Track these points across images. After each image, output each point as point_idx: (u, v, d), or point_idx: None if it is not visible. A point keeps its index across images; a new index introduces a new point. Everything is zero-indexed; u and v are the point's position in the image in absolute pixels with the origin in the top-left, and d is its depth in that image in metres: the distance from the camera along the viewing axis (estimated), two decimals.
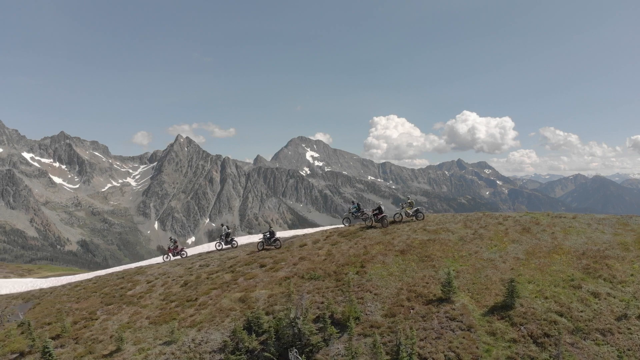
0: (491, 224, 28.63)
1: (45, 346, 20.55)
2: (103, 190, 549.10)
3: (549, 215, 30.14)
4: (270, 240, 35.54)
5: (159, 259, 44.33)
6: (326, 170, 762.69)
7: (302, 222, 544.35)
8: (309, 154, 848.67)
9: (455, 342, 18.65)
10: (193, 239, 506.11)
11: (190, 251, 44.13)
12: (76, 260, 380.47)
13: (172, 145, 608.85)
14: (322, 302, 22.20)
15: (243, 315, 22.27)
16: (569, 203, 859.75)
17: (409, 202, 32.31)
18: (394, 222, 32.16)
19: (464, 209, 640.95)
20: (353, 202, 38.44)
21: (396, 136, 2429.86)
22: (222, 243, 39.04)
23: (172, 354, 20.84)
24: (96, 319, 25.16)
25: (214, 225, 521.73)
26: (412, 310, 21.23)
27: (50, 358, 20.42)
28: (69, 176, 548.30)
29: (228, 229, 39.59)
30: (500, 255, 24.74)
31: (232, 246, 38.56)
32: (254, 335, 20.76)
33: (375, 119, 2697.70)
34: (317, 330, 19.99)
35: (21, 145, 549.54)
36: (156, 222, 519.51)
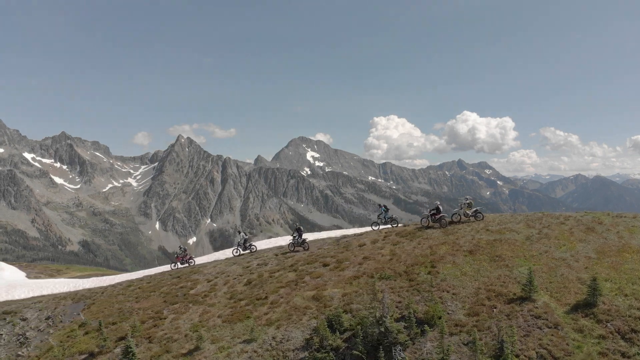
0: (553, 223, 28.55)
1: (128, 345, 20.35)
2: (104, 190, 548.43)
3: (609, 215, 30.10)
4: (299, 240, 35.91)
5: (166, 267, 44.29)
6: (327, 170, 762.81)
7: (303, 223, 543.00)
8: (310, 154, 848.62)
9: (544, 340, 18.70)
10: (194, 239, 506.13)
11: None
12: (77, 260, 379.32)
13: (173, 145, 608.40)
14: (400, 302, 22.11)
15: (320, 314, 22.15)
16: (570, 203, 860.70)
17: (468, 203, 32.17)
18: (452, 222, 32.03)
19: None
20: (380, 205, 38.32)
21: (396, 136, 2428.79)
22: (240, 249, 39.14)
23: (255, 352, 20.72)
24: (164, 318, 24.99)
25: (215, 225, 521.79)
26: (494, 309, 21.19)
27: (133, 358, 20.24)
28: (70, 176, 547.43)
29: (246, 235, 39.59)
30: (571, 254, 24.68)
31: (250, 251, 38.50)
32: (337, 333, 20.69)
33: (376, 119, 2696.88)
34: (403, 328, 19.93)
35: (22, 145, 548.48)
36: (157, 222, 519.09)
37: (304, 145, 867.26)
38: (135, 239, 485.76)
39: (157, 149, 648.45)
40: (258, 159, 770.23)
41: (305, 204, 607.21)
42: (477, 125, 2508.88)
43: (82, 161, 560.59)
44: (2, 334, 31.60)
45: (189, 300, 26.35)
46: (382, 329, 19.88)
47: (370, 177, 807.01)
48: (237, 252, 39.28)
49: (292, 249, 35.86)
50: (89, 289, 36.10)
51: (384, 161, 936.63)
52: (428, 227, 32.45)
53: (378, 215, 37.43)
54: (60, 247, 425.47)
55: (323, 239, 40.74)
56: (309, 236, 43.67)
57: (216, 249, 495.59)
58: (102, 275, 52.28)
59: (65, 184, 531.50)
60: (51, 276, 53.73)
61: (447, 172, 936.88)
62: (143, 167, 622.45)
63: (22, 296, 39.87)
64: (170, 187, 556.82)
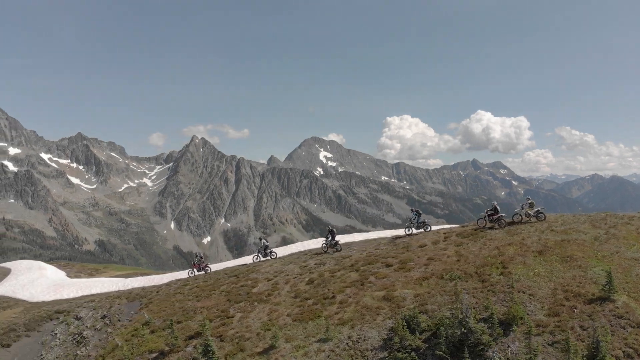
0: (619, 223, 28.00)
1: (207, 344, 20.25)
2: (120, 190, 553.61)
3: None
4: (332, 242, 35.97)
5: (184, 273, 44.37)
6: (340, 170, 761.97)
7: (316, 223, 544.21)
8: (323, 155, 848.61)
9: (629, 339, 18.50)
10: (209, 238, 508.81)
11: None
12: (94, 259, 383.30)
13: (187, 146, 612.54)
14: (477, 303, 21.81)
15: (394, 314, 21.92)
16: (586, 204, 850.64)
17: (530, 203, 31.67)
18: (512, 222, 31.56)
19: (479, 209, 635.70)
20: (413, 210, 37.96)
21: (410, 136, 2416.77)
22: (260, 256, 39.29)
23: (332, 351, 20.55)
24: (232, 317, 24.88)
25: (229, 225, 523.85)
26: (575, 310, 20.86)
27: (213, 356, 20.13)
28: (86, 177, 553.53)
29: (267, 242, 39.86)
30: None
31: (270, 257, 38.56)
32: (417, 333, 20.50)
33: (389, 119, 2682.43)
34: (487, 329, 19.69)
35: (39, 146, 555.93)
36: (172, 222, 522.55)
37: (317, 146, 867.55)
38: (151, 238, 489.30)
39: (172, 150, 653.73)
40: (271, 159, 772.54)
41: (319, 204, 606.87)
42: (491, 124, 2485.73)
43: (98, 161, 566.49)
44: (56, 333, 31.82)
45: (253, 299, 26.22)
46: (465, 330, 19.69)
47: (383, 177, 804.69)
48: (257, 258, 39.53)
49: (325, 250, 36.15)
50: (142, 288, 36.22)
51: (397, 161, 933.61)
52: (485, 228, 31.94)
53: (410, 220, 37.20)
54: (76, 246, 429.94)
55: (357, 241, 40.43)
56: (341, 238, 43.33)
57: (230, 249, 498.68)
58: (141, 274, 52.52)
59: (82, 184, 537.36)
60: (91, 275, 54.11)
61: (461, 172, 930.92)
62: (158, 167, 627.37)
63: (71, 295, 40.17)
64: (185, 187, 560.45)
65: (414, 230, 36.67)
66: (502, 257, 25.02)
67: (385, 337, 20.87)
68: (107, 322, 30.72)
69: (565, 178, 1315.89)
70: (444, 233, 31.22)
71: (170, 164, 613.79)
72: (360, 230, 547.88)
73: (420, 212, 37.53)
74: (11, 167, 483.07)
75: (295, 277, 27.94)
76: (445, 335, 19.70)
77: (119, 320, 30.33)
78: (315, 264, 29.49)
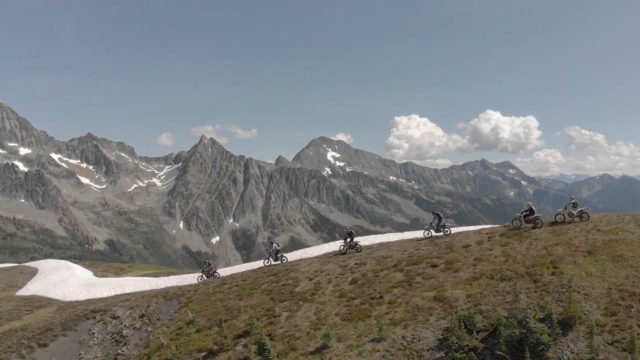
0: None
1: (263, 343, 20.12)
2: (129, 190, 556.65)
3: None
4: (351, 243, 36.28)
5: (194, 275, 44.45)
6: (347, 170, 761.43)
7: (324, 223, 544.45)
8: (330, 154, 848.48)
9: None
10: (217, 238, 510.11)
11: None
12: (104, 259, 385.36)
13: (196, 146, 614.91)
14: (531, 303, 21.58)
15: (448, 314, 21.75)
16: (596, 204, 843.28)
17: (573, 203, 31.32)
18: (555, 222, 31.19)
19: (488, 209, 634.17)
20: (434, 212, 37.61)
21: (418, 136, 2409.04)
22: (272, 259, 39.25)
23: (387, 351, 20.38)
24: (278, 316, 24.76)
25: (237, 225, 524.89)
26: (632, 309, 20.64)
27: (269, 355, 19.99)
28: (96, 177, 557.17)
29: (278, 246, 39.83)
30: None
31: (281, 262, 38.61)
32: (475, 334, 20.32)
33: (397, 118, 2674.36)
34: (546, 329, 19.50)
35: (49, 146, 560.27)
36: (181, 222, 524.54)
37: (325, 146, 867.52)
38: (160, 238, 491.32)
39: (181, 150, 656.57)
40: (279, 159, 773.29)
41: (327, 204, 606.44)
42: (500, 124, 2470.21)
43: (107, 162, 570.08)
44: (94, 333, 31.81)
45: (297, 298, 26.07)
46: (524, 330, 19.56)
47: (391, 177, 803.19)
48: (268, 262, 39.44)
49: (345, 251, 36.37)
50: (179, 287, 36.20)
51: (405, 161, 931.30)
52: (521, 228, 31.62)
53: (431, 223, 37.06)
54: (86, 245, 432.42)
55: (393, 241, 40.07)
56: (376, 239, 43.15)
57: (238, 248, 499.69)
58: (167, 274, 52.55)
59: (92, 184, 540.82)
60: (117, 275, 54.19)
61: (470, 172, 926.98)
62: (167, 167, 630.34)
63: (104, 294, 40.19)
64: (194, 187, 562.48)
65: (434, 233, 36.55)
66: (552, 257, 24.72)
67: (441, 337, 20.69)
68: (146, 321, 30.65)
69: (574, 178, 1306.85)
70: (487, 233, 30.93)
71: (179, 164, 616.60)
72: (368, 230, 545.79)
73: (441, 215, 37.42)
74: (22, 167, 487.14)
75: (337, 277, 27.76)
76: (504, 335, 19.56)
77: (159, 319, 30.25)
78: (356, 264, 29.29)
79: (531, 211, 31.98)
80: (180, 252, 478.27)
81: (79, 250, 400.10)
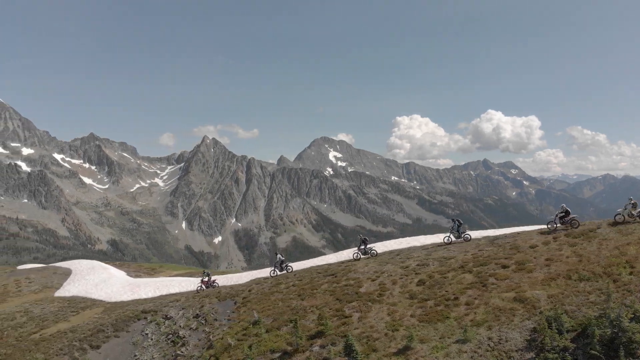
0: None
1: (351, 344, 19.62)
2: (131, 190, 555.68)
3: None
4: (365, 249, 37.27)
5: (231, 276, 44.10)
6: (349, 170, 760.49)
7: (326, 223, 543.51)
8: (332, 155, 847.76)
9: None
10: (220, 238, 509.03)
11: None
12: (107, 259, 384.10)
13: (198, 146, 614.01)
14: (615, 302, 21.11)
15: (532, 315, 21.30)
16: (598, 204, 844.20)
17: (633, 203, 30.92)
18: (615, 223, 30.68)
19: (490, 209, 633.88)
20: (454, 220, 37.71)
21: (420, 136, 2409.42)
22: (277, 270, 39.45)
23: (475, 352, 19.92)
24: (349, 317, 24.26)
25: (240, 225, 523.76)
26: None
27: (357, 356, 19.48)
28: (99, 177, 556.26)
29: (282, 257, 40.24)
30: None
31: (287, 272, 38.81)
32: (565, 334, 19.87)
33: (398, 118, 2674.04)
34: None
35: (52, 146, 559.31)
36: (184, 221, 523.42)
37: (327, 146, 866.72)
38: (162, 238, 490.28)
39: (183, 150, 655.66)
40: (281, 159, 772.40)
41: (329, 204, 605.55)
42: (502, 124, 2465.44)
43: (110, 162, 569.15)
44: (147, 333, 31.28)
45: (365, 299, 25.56)
46: (616, 329, 19.18)
47: (393, 177, 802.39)
48: (274, 272, 39.62)
49: (359, 258, 37.03)
50: (231, 287, 35.63)
51: (407, 161, 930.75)
52: (556, 231, 31.42)
53: (451, 229, 37.26)
54: (89, 245, 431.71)
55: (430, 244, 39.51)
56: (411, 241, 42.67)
57: (241, 248, 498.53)
58: (197, 274, 51.91)
59: (94, 184, 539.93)
60: (150, 275, 53.56)
61: (472, 172, 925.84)
62: (169, 167, 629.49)
63: (150, 295, 39.66)
64: (196, 187, 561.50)
65: (453, 239, 36.70)
66: (626, 257, 24.23)
67: (529, 337, 20.24)
68: (202, 321, 30.12)
69: (576, 178, 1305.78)
70: (550, 234, 30.36)
71: (182, 164, 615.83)
72: (370, 230, 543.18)
73: (461, 221, 37.63)
74: (24, 167, 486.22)
75: (401, 278, 27.26)
76: (597, 334, 19.23)
77: (216, 319, 29.71)
78: (417, 265, 28.77)
79: (567, 213, 32.00)
80: (182, 252, 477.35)
81: (81, 250, 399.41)
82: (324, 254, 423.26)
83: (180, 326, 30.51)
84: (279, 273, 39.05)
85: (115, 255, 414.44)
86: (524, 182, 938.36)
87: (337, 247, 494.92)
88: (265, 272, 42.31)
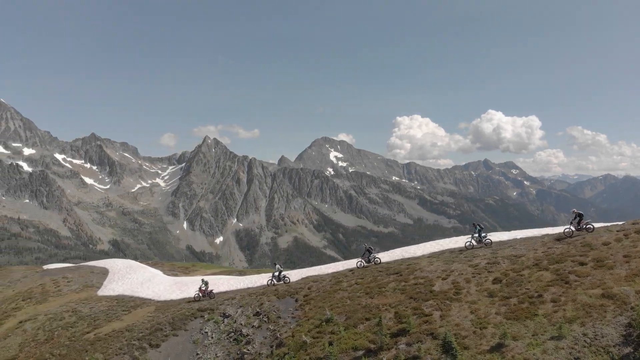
0: None
1: (449, 342, 19.25)
2: (133, 190, 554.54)
3: None
4: (369, 258, 37.65)
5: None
6: (350, 170, 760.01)
7: (327, 223, 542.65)
8: (333, 155, 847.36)
9: None
10: (221, 238, 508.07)
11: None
12: (108, 259, 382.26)
13: (200, 146, 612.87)
14: None
15: (624, 311, 21.06)
16: (599, 204, 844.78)
17: (579, 213, 31.83)
18: None
19: (491, 210, 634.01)
20: (475, 224, 37.80)
21: (420, 136, 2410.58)
22: (275, 280, 39.40)
23: (572, 348, 19.73)
24: (429, 315, 23.88)
25: (241, 225, 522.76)
26: None
27: (457, 354, 19.10)
28: (100, 177, 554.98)
29: (281, 267, 40.12)
30: None
31: (284, 282, 38.79)
32: None
33: (399, 118, 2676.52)
34: None
35: (53, 146, 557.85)
36: (185, 222, 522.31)
37: (327, 146, 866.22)
38: (164, 238, 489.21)
39: (185, 150, 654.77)
40: (281, 160, 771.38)
41: (330, 204, 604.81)
42: (502, 124, 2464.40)
43: (111, 162, 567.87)
44: (207, 332, 30.82)
45: (442, 297, 25.20)
46: None
47: (394, 178, 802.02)
48: (271, 282, 39.51)
49: (361, 265, 37.42)
50: (289, 285, 35.17)
51: (407, 161, 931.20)
52: (571, 236, 31.80)
53: (472, 235, 37.30)
54: (91, 246, 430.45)
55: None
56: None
57: (242, 248, 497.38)
58: (237, 272, 51.46)
59: (95, 184, 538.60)
60: (185, 274, 52.97)
61: (472, 172, 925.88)
62: (171, 167, 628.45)
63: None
64: (198, 187, 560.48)
65: (475, 243, 36.69)
66: None
67: (624, 333, 20.02)
68: (265, 319, 29.69)
69: (577, 178, 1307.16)
70: (620, 231, 30.02)
71: (183, 164, 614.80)
72: (371, 230, 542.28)
73: (482, 226, 37.71)
74: (26, 167, 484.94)
75: (473, 276, 26.92)
76: None
77: (279, 317, 29.28)
78: (487, 264, 28.43)
79: (579, 216, 32.65)
80: (184, 252, 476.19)
81: (83, 251, 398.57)
82: (325, 254, 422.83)
83: (241, 324, 30.06)
84: (276, 283, 38.99)
85: (116, 255, 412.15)
86: (525, 183, 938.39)
87: (339, 247, 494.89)
88: (261, 279, 42.33)
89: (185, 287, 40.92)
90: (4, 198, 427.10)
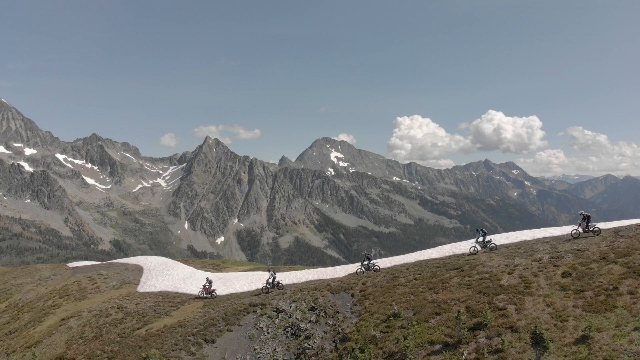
0: None
1: (539, 333, 19.04)
2: (134, 190, 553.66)
3: None
4: (368, 265, 37.90)
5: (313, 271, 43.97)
6: (351, 171, 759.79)
7: (328, 223, 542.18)
8: (334, 155, 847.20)
9: None
10: (222, 238, 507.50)
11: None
12: (110, 259, 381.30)
13: (201, 146, 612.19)
14: None
15: None
16: (599, 204, 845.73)
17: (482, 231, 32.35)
18: None
19: (492, 210, 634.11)
20: (478, 229, 37.79)
21: (420, 136, 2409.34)
22: (269, 287, 39.44)
23: None
24: (504, 309, 23.67)
25: (242, 225, 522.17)
26: None
27: (548, 345, 18.88)
28: (101, 177, 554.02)
29: (274, 274, 40.00)
30: None
31: (277, 288, 39.07)
32: None
33: (399, 119, 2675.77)
34: None
35: (54, 146, 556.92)
36: (186, 222, 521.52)
37: (328, 146, 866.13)
38: (165, 238, 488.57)
39: (185, 150, 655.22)
40: (282, 160, 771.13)
41: (331, 205, 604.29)
42: (503, 124, 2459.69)
43: (112, 162, 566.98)
44: (262, 327, 30.53)
45: (512, 291, 25.00)
46: None
47: (395, 178, 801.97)
48: (266, 289, 39.54)
49: (360, 272, 37.61)
50: (339, 280, 34.94)
51: (408, 161, 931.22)
52: (578, 237, 32.62)
53: (476, 240, 37.40)
54: (92, 246, 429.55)
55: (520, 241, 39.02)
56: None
57: (243, 248, 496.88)
58: (268, 269, 51.09)
59: (97, 184, 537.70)
60: (217, 270, 52.71)
61: (473, 173, 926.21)
62: (172, 167, 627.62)
63: (245, 288, 39.10)
64: (199, 188, 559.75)
65: (479, 249, 36.86)
66: None
67: None
68: (322, 314, 29.43)
69: (578, 178, 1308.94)
70: None
71: (184, 165, 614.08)
72: (372, 230, 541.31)
73: (486, 231, 37.75)
74: (27, 167, 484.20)
75: (540, 271, 26.75)
76: None
77: (337, 312, 29.02)
78: (552, 257, 28.28)
79: (586, 218, 33.43)
80: (185, 253, 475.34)
81: (84, 251, 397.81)
82: (326, 254, 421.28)
83: (297, 319, 29.81)
84: (270, 289, 39.13)
85: (118, 255, 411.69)
86: (526, 183, 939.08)
87: (340, 247, 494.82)
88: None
89: (229, 282, 40.66)
90: (5, 198, 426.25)
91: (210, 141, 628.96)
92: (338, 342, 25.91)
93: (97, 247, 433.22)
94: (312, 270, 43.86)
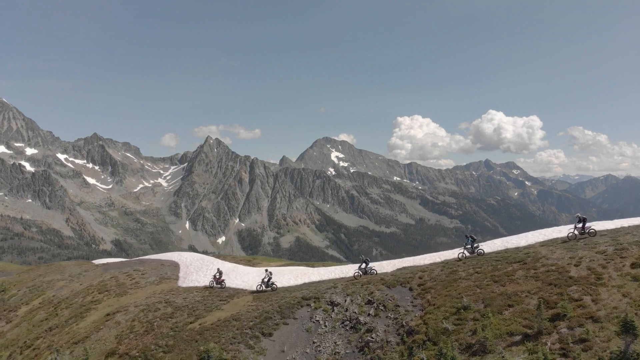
0: None
1: (631, 321, 18.96)
2: (135, 190, 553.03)
3: None
4: (365, 269, 38.20)
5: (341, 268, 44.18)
6: (352, 171, 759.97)
7: (329, 223, 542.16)
8: (334, 155, 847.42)
9: None
10: (223, 238, 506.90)
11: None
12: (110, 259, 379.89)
13: (202, 146, 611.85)
14: None
15: None
16: (600, 204, 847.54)
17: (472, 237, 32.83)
18: None
19: (493, 210, 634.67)
20: (467, 236, 38.32)
21: (421, 136, 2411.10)
22: (263, 286, 39.84)
23: None
24: (579, 300, 23.64)
25: (243, 225, 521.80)
26: None
27: (638, 333, 18.83)
28: (102, 177, 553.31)
29: (270, 275, 40.24)
30: None
31: (272, 289, 39.42)
32: None
33: (399, 119, 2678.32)
34: None
35: (55, 146, 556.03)
36: (187, 222, 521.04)
37: (329, 146, 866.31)
38: (166, 238, 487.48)
39: (184, 150, 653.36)
40: (283, 160, 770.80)
41: (331, 204, 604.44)
42: (503, 124, 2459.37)
43: (113, 162, 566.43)
44: (318, 320, 30.41)
45: (584, 283, 24.95)
46: None
47: (395, 178, 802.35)
48: (260, 287, 40.05)
49: (358, 275, 38.10)
50: (391, 274, 34.81)
51: (408, 161, 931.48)
52: (576, 238, 33.37)
53: (465, 245, 37.89)
54: (93, 246, 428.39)
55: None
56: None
57: (244, 248, 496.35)
58: (304, 265, 51.06)
59: (98, 184, 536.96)
60: (251, 266, 52.45)
61: (474, 173, 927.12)
62: (173, 167, 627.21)
63: (292, 282, 39.10)
64: (200, 187, 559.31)
65: (467, 254, 37.37)
66: None
67: None
68: (381, 307, 29.30)
69: (578, 178, 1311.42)
70: None
71: (185, 165, 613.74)
72: (373, 230, 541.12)
73: (475, 237, 38.36)
74: (28, 167, 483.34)
75: (607, 262, 26.74)
76: None
77: (397, 305, 28.90)
78: (616, 250, 28.37)
79: (581, 220, 34.24)
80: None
81: (86, 250, 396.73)
82: (327, 254, 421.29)
83: (354, 312, 29.69)
84: (265, 289, 39.55)
85: (119, 255, 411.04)
86: (526, 183, 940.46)
87: (341, 247, 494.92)
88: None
89: (280, 276, 40.71)
90: (6, 198, 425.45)
91: (211, 141, 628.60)
92: (404, 335, 25.79)
93: (98, 247, 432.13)
94: (300, 268, 44.80)
